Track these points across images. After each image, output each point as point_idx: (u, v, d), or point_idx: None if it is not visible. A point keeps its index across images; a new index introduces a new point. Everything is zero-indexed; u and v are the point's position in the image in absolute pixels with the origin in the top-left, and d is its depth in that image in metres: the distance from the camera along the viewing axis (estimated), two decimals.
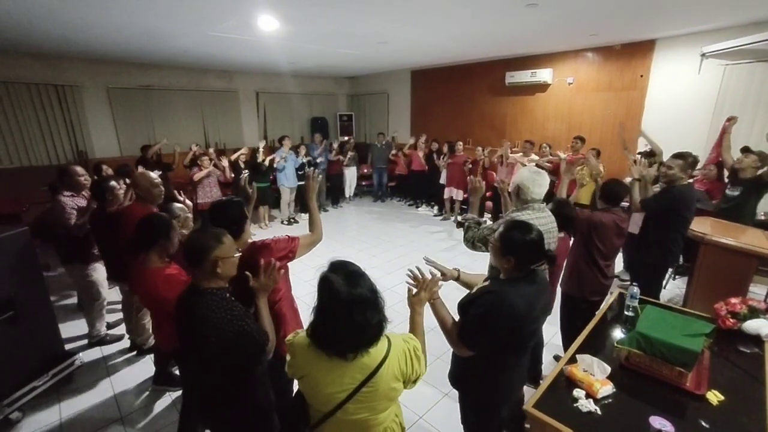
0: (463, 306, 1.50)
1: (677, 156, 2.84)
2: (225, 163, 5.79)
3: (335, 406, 1.11)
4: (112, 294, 3.36)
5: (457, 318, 1.53)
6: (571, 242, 2.58)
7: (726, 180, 4.00)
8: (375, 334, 1.11)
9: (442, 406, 2.43)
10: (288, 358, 1.22)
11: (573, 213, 2.37)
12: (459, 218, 1.96)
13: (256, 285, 1.49)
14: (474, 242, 1.98)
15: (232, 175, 5.86)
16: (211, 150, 6.18)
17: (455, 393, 1.68)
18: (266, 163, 6.12)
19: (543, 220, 1.91)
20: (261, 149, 6.15)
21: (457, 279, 1.80)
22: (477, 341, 1.42)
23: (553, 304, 2.59)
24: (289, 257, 1.77)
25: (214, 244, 1.36)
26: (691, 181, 2.89)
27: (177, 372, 2.62)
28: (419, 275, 1.49)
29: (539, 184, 1.96)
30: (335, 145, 7.54)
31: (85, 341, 3.18)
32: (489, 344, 1.42)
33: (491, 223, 2.06)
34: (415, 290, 1.44)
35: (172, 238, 1.94)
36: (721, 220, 3.36)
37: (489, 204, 6.16)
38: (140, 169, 4.21)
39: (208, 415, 1.50)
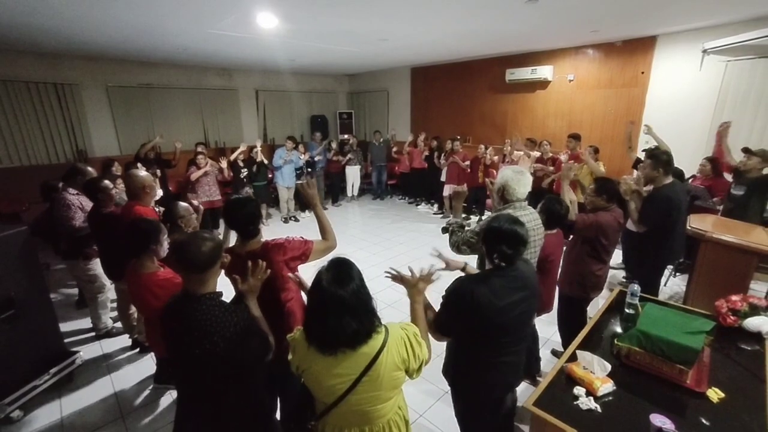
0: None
1: (648, 156, 2.81)
2: (224, 163, 5.74)
3: (338, 397, 1.13)
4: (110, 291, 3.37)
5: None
6: (563, 238, 2.55)
7: (724, 176, 3.99)
8: (349, 342, 1.10)
9: (442, 404, 2.44)
10: (290, 355, 1.23)
11: (563, 211, 2.37)
12: (444, 224, 1.97)
13: (245, 287, 1.47)
14: (459, 246, 1.99)
15: (231, 174, 5.84)
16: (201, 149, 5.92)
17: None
18: (263, 161, 6.12)
19: (526, 217, 1.92)
20: (259, 148, 6.11)
21: (463, 269, 1.87)
22: (442, 325, 1.51)
23: (553, 304, 2.59)
24: (302, 259, 1.77)
25: (220, 242, 1.34)
26: (667, 180, 2.74)
27: None
28: (398, 275, 1.51)
29: (523, 183, 2.00)
30: (334, 145, 7.51)
31: (85, 338, 3.19)
32: (453, 329, 1.51)
33: (475, 225, 2.05)
34: (416, 278, 1.47)
35: (162, 241, 1.93)
36: (725, 218, 3.35)
37: (489, 202, 6.16)
38: (139, 166, 4.21)
39: (210, 423, 1.40)
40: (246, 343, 1.30)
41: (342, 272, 1.14)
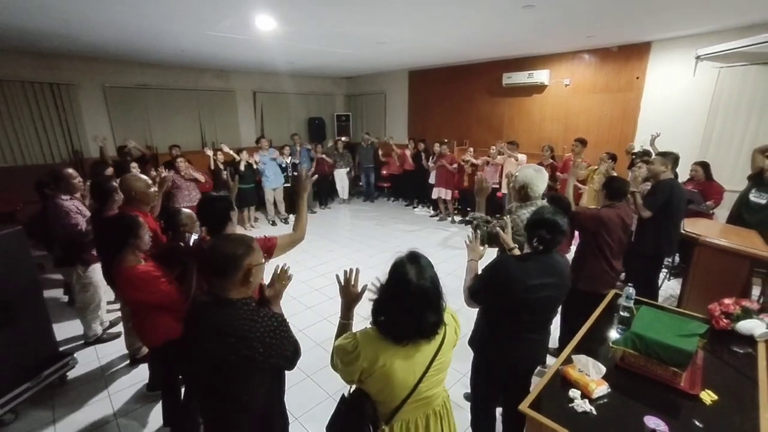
0: None
1: (659, 153, 3.16)
2: (182, 165, 5.22)
3: (411, 389, 1.15)
4: (109, 293, 3.34)
5: None
6: (570, 236, 2.63)
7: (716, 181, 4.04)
8: (428, 333, 1.15)
9: (452, 392, 2.42)
10: (339, 363, 1.19)
11: (567, 207, 2.43)
12: (468, 217, 2.12)
13: (271, 293, 1.43)
14: (485, 240, 2.04)
15: (211, 182, 5.58)
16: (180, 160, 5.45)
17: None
18: (244, 165, 5.96)
19: None
20: (228, 150, 5.95)
21: (511, 250, 1.98)
22: (475, 292, 1.73)
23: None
24: (264, 258, 1.77)
25: (246, 251, 1.26)
26: (671, 176, 3.06)
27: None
28: (472, 241, 1.90)
29: (543, 180, 2.14)
30: (306, 146, 7.33)
31: (79, 341, 3.15)
32: (483, 299, 1.73)
33: (496, 221, 2.10)
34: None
35: (142, 235, 1.95)
36: (729, 225, 3.38)
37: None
38: (135, 168, 4.18)
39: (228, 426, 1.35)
40: (283, 348, 1.27)
41: (422, 265, 1.16)
